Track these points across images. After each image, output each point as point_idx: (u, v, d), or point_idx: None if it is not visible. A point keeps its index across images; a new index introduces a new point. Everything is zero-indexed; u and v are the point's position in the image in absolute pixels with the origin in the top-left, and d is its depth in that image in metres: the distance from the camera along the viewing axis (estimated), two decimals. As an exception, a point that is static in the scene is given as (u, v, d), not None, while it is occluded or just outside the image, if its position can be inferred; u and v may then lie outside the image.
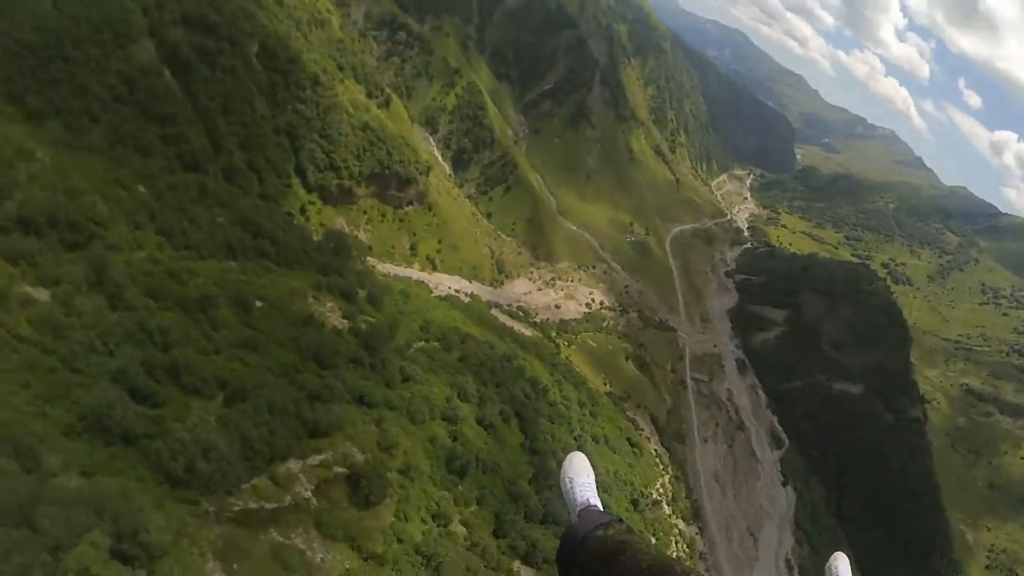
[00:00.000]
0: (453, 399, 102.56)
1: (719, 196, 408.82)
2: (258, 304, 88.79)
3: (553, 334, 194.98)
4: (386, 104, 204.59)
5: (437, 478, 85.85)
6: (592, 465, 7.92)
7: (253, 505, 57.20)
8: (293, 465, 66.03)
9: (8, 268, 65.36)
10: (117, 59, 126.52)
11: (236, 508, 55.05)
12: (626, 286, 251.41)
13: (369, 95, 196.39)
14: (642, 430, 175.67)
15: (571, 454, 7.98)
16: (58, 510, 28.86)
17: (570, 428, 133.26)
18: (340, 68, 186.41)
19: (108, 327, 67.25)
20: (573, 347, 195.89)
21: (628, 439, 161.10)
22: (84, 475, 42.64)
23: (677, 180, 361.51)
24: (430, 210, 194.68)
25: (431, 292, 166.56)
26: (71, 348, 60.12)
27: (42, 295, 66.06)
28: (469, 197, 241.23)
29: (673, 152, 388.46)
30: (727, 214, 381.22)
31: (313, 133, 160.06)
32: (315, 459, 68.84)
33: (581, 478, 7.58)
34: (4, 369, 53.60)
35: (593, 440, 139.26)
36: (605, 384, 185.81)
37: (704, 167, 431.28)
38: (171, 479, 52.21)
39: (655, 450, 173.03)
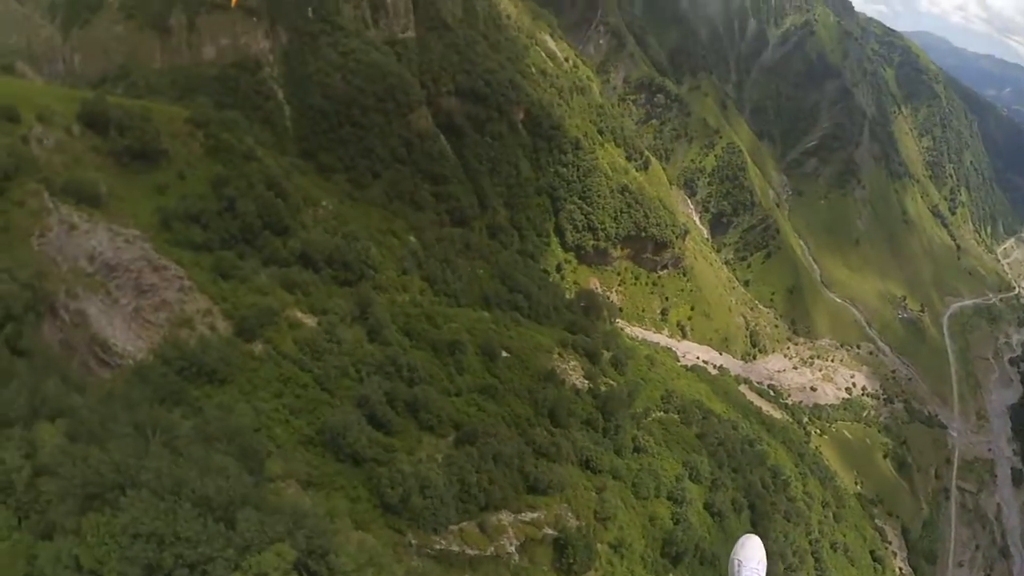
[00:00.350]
0: (683, 478, 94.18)
1: (1005, 265, 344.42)
2: (504, 354, 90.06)
3: (805, 419, 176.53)
4: (645, 167, 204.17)
5: (649, 560, 78.23)
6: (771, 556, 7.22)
7: (455, 548, 55.16)
8: (504, 517, 63.19)
9: (284, 294, 72.50)
10: (398, 125, 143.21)
11: (438, 547, 53.46)
12: (893, 371, 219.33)
13: (628, 158, 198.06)
14: (889, 543, 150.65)
15: (746, 535, 8.77)
16: (259, 515, 26.89)
17: (807, 530, 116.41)
18: (600, 132, 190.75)
19: (363, 356, 71.10)
20: (825, 436, 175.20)
21: (872, 552, 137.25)
22: (302, 485, 43.44)
23: (958, 246, 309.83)
24: (685, 275, 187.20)
25: (678, 360, 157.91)
26: (326, 370, 64.11)
27: (309, 321, 71.93)
28: (726, 263, 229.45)
29: (953, 213, 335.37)
30: (1015, 287, 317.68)
31: (573, 195, 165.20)
32: (527, 516, 65.53)
33: (751, 563, 8.36)
34: (264, 378, 58.71)
35: (831, 548, 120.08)
36: (856, 483, 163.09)
37: (988, 230, 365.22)
38: (385, 505, 52.31)
39: (900, 568, 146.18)
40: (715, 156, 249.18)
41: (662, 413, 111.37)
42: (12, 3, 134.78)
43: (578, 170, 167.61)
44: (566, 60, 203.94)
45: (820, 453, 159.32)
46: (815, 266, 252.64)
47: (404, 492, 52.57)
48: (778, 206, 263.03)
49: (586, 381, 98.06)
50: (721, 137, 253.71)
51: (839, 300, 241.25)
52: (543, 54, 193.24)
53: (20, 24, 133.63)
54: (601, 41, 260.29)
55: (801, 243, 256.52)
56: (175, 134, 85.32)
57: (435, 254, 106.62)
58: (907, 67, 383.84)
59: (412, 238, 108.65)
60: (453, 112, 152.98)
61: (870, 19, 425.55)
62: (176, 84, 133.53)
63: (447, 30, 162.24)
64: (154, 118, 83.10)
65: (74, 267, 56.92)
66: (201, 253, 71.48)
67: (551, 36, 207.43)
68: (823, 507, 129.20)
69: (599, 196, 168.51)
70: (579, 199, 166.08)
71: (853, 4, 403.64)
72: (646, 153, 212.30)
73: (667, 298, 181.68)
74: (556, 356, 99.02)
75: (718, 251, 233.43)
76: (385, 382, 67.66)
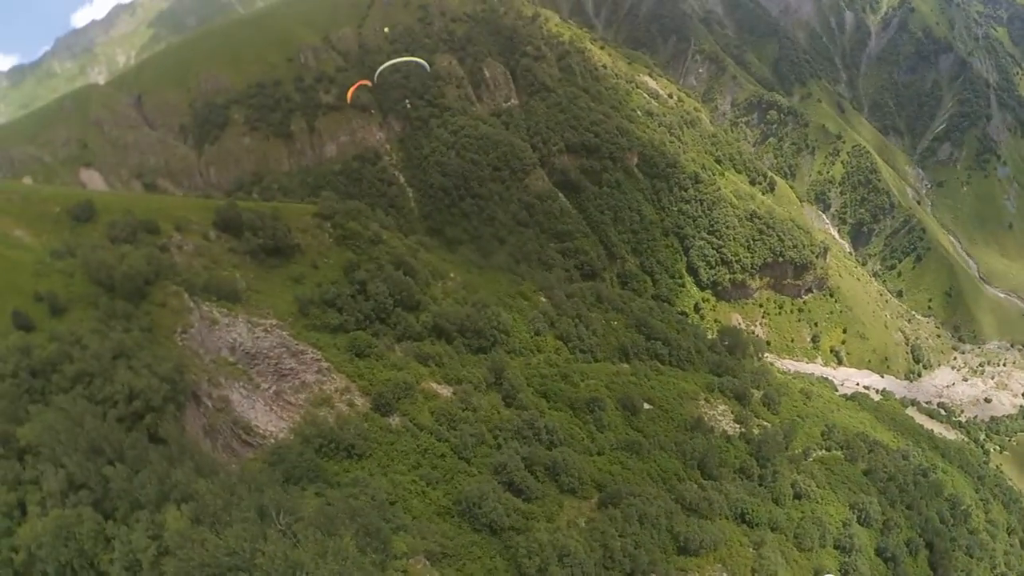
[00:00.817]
0: (851, 523, 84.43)
1: None
2: (646, 407, 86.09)
3: (981, 436, 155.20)
4: (771, 188, 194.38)
5: (816, 619, 68.48)
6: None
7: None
8: (652, 583, 56.89)
9: (419, 367, 73.12)
10: (516, 189, 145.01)
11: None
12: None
13: (752, 182, 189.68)
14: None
15: None
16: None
17: (992, 563, 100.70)
18: (718, 161, 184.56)
19: (499, 422, 69.86)
20: (1006, 452, 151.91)
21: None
22: (435, 559, 41.04)
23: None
24: (831, 296, 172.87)
25: (836, 390, 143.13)
26: (462, 439, 63.02)
27: (445, 391, 71.68)
28: (874, 275, 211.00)
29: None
30: None
31: (701, 230, 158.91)
32: (678, 579, 58.69)
33: None
34: (401, 450, 58.38)
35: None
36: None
37: None
38: (523, 576, 48.89)
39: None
40: (842, 163, 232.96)
41: (823, 451, 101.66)
42: (145, 128, 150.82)
43: (702, 204, 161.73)
44: (670, 96, 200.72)
45: (1001, 472, 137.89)
46: (970, 261, 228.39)
47: (542, 561, 49.44)
48: (919, 203, 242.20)
49: (737, 426, 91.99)
50: (844, 141, 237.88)
51: (1002, 295, 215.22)
52: (645, 95, 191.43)
53: (155, 146, 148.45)
54: (700, 70, 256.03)
55: (951, 238, 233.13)
56: (305, 228, 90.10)
57: (567, 311, 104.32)
58: (1018, 21, 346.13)
59: (542, 298, 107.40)
60: (567, 169, 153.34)
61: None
62: (305, 183, 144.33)
63: (548, 92, 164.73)
64: (284, 216, 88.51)
65: (217, 358, 59.66)
66: (338, 335, 73.66)
67: (650, 76, 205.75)
68: (1009, 534, 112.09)
69: (728, 227, 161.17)
70: (708, 234, 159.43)
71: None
72: (769, 174, 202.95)
73: (816, 324, 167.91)
74: (702, 402, 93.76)
75: (863, 264, 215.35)
76: (523, 447, 66.07)
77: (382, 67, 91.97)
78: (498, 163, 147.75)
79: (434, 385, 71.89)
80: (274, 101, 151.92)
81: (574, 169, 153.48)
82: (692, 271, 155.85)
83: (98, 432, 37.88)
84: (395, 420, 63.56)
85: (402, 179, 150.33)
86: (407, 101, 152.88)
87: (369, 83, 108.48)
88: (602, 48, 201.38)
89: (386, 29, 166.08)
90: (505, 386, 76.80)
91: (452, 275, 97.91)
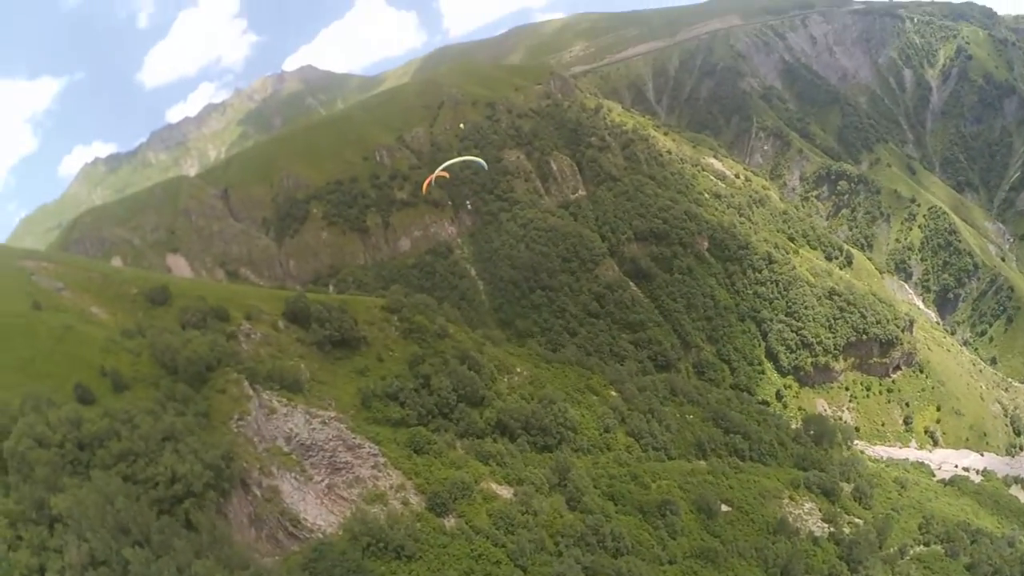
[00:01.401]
0: None
1: None
2: (723, 508, 79.46)
3: None
4: (848, 262, 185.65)
5: None
6: None
7: None
8: None
9: (479, 466, 69.99)
10: (586, 280, 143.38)
11: None
12: None
13: (828, 257, 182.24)
14: None
15: None
16: None
17: None
18: (791, 239, 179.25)
19: (561, 528, 65.01)
20: None
21: None
22: None
23: None
24: (921, 371, 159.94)
25: (932, 475, 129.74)
26: (520, 544, 58.47)
27: (505, 492, 67.84)
28: (964, 343, 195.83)
29: None
30: None
31: (778, 313, 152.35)
32: None
33: None
34: (453, 554, 54.63)
35: None
36: None
37: None
38: None
39: None
40: (919, 227, 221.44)
41: (921, 547, 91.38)
42: (230, 220, 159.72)
43: (778, 285, 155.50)
44: (737, 177, 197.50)
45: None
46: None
47: None
48: (1003, 259, 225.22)
49: (825, 525, 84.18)
50: (919, 204, 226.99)
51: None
52: (712, 177, 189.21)
53: (239, 236, 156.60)
54: (765, 147, 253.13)
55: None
56: (372, 321, 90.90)
57: (638, 406, 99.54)
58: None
59: (613, 392, 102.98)
60: (637, 257, 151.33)
61: (1018, 16, 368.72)
62: (380, 276, 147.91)
63: (614, 181, 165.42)
64: (352, 309, 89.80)
65: (272, 447, 58.45)
66: (399, 429, 72.23)
67: (715, 157, 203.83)
68: None
69: (807, 308, 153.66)
70: (786, 316, 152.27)
71: (994, 8, 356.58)
72: (846, 247, 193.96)
73: (907, 403, 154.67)
74: (787, 500, 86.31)
75: (952, 333, 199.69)
76: (586, 555, 60.72)
77: (440, 168, 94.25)
78: (567, 254, 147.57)
79: (494, 485, 68.18)
80: (351, 197, 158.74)
81: (644, 257, 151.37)
82: (772, 356, 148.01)
83: (127, 512, 37.70)
84: (450, 521, 60.06)
85: (473, 272, 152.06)
86: (468, 202, 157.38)
87: (447, 174, 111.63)
88: (665, 134, 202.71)
89: (461, 124, 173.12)
90: (569, 488, 71.96)
91: (519, 369, 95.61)
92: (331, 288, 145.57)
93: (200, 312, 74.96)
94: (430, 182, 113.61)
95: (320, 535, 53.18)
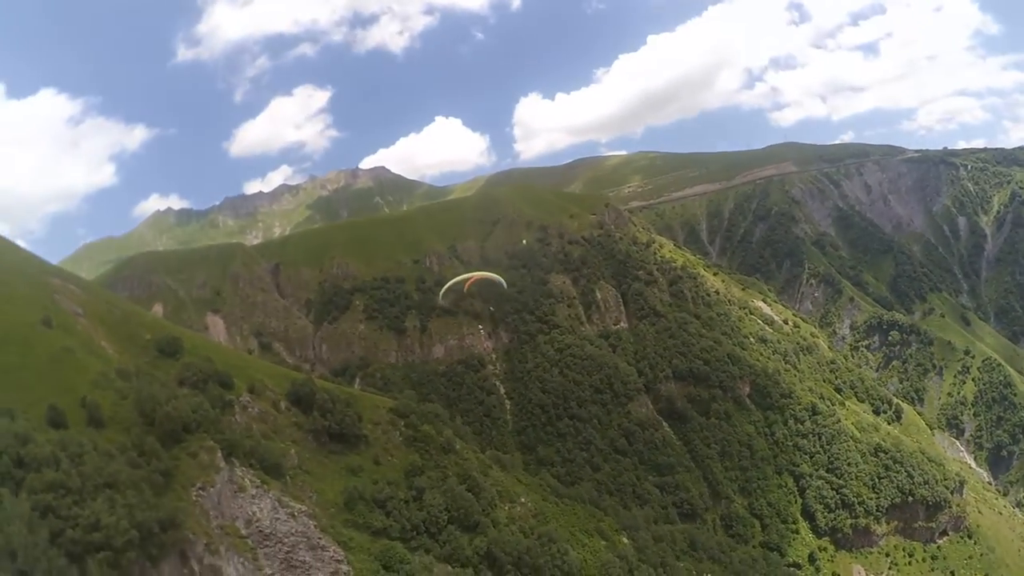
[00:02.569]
0: None
1: None
2: None
3: None
4: (896, 417, 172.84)
5: None
6: None
7: None
8: None
9: None
10: (618, 415, 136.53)
11: None
12: None
13: (876, 411, 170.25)
14: None
15: None
16: None
17: None
18: (838, 390, 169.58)
19: None
20: None
21: None
22: None
23: None
24: (969, 537, 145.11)
25: None
26: None
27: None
28: (1018, 505, 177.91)
29: None
30: None
31: (819, 468, 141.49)
32: None
33: None
34: None
35: None
36: None
37: None
38: None
39: None
40: (973, 380, 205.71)
41: None
42: (275, 295, 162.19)
43: (820, 439, 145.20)
44: (785, 322, 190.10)
45: None
46: None
47: None
48: None
49: None
50: (973, 356, 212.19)
51: None
52: (759, 321, 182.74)
53: (280, 312, 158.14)
54: (816, 293, 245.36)
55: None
56: (377, 422, 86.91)
57: (650, 558, 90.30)
58: None
59: (625, 539, 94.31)
60: (673, 396, 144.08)
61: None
62: (408, 378, 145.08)
63: (658, 316, 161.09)
64: (359, 405, 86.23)
65: (227, 525, 53.33)
66: (378, 540, 66.48)
67: (765, 301, 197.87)
68: None
69: (850, 464, 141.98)
70: (827, 471, 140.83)
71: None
72: (895, 401, 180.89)
73: (952, 572, 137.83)
74: None
75: (1004, 494, 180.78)
76: None
77: (456, 278, 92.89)
78: (601, 385, 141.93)
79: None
80: (394, 296, 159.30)
81: (681, 397, 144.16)
82: (808, 515, 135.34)
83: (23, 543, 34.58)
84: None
85: (502, 390, 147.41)
86: (490, 307, 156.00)
87: (495, 278, 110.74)
88: (715, 274, 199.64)
89: (524, 240, 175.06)
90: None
91: (523, 499, 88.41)
92: (357, 381, 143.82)
93: (203, 373, 72.40)
94: (472, 282, 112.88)
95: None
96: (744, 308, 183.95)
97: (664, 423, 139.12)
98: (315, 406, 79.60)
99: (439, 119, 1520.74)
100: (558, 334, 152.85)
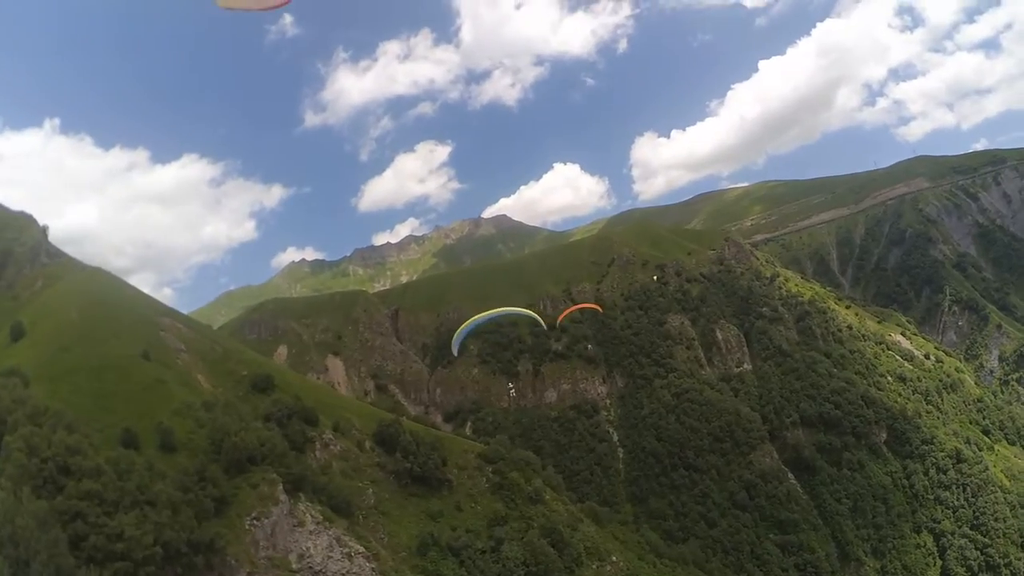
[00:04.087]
0: None
1: None
2: None
3: None
4: None
5: None
6: None
7: None
8: None
9: None
10: (739, 465, 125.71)
11: None
12: None
13: None
14: None
15: None
16: None
17: None
18: (986, 432, 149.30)
19: None
20: None
21: None
22: None
23: None
24: None
25: None
26: None
27: None
28: None
29: None
30: None
31: (962, 525, 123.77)
32: None
33: None
34: None
35: None
36: None
37: None
38: None
39: None
40: None
41: None
42: (393, 339, 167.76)
43: (965, 490, 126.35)
44: (926, 357, 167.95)
45: None
46: None
47: None
48: None
49: None
50: None
51: None
52: (898, 357, 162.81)
53: (397, 356, 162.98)
54: (960, 322, 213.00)
55: None
56: (463, 466, 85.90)
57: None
58: None
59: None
60: (801, 445, 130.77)
61: None
62: (520, 423, 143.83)
63: (784, 356, 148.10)
64: (446, 448, 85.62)
65: (278, 558, 53.77)
66: None
67: (903, 335, 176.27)
68: None
69: (997, 519, 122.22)
70: (971, 528, 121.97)
71: None
72: None
73: None
74: None
75: None
76: None
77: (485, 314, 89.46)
78: (721, 433, 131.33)
79: None
80: (508, 340, 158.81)
81: (809, 446, 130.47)
82: None
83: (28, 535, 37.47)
84: None
85: (615, 437, 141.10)
86: (588, 345, 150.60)
87: (599, 308, 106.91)
88: (848, 307, 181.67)
89: (655, 277, 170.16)
90: None
91: (615, 558, 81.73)
92: (469, 425, 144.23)
93: (288, 410, 75.33)
94: (568, 313, 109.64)
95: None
96: (880, 343, 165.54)
97: (789, 474, 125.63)
98: (398, 447, 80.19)
99: (557, 166, 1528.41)
100: (675, 378, 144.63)
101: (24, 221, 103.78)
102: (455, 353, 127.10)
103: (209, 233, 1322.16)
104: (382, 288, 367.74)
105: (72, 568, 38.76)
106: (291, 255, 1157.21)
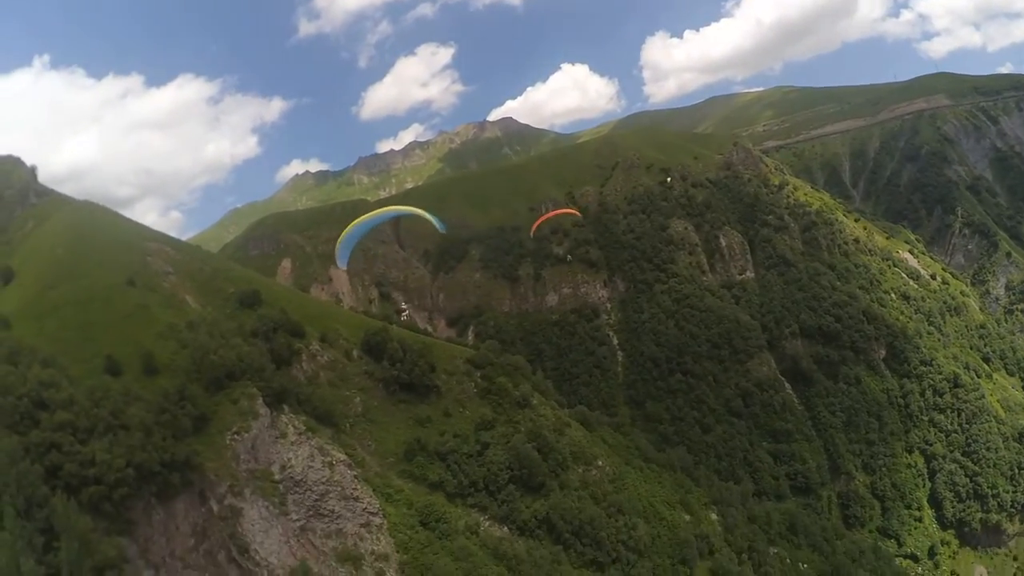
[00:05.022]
0: None
1: None
2: None
3: None
4: None
5: None
6: None
7: None
8: None
9: (492, 565, 60.58)
10: (736, 372, 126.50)
11: None
12: None
13: None
14: None
15: None
16: None
17: None
18: (986, 360, 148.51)
19: None
20: None
21: None
22: None
23: None
24: None
25: None
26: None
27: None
28: None
29: None
30: None
31: (954, 450, 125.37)
32: None
33: None
34: None
35: None
36: None
37: None
38: None
39: None
40: None
41: None
42: (395, 246, 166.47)
43: (959, 415, 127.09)
44: (932, 277, 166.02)
45: None
46: None
47: None
48: None
49: None
50: None
51: None
52: (903, 274, 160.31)
53: (400, 263, 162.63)
54: (969, 246, 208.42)
55: None
56: (452, 372, 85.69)
57: (736, 540, 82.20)
58: None
59: (713, 515, 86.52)
60: (799, 356, 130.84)
61: None
62: (521, 327, 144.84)
63: (788, 266, 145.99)
64: (434, 354, 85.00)
65: (259, 470, 54.91)
66: (435, 493, 66.43)
67: (911, 252, 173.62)
68: None
69: (989, 449, 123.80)
70: (962, 455, 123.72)
71: None
72: None
73: None
74: None
75: None
76: None
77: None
78: (719, 340, 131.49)
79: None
80: (509, 245, 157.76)
81: (806, 357, 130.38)
82: (935, 502, 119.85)
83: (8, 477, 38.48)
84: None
85: (615, 341, 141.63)
86: (568, 255, 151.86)
87: (576, 212, 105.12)
88: (856, 220, 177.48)
89: (668, 179, 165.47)
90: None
91: (600, 462, 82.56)
92: (471, 330, 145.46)
93: (273, 323, 75.24)
94: (538, 224, 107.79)
95: (266, 572, 48.54)
96: (887, 259, 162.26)
97: (786, 385, 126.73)
98: (385, 355, 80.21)
99: (565, 66, 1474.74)
100: (676, 283, 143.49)
101: (11, 164, 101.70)
102: (342, 265, 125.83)
103: (211, 153, 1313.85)
104: (387, 196, 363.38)
105: (43, 497, 39.60)
106: (295, 168, 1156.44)
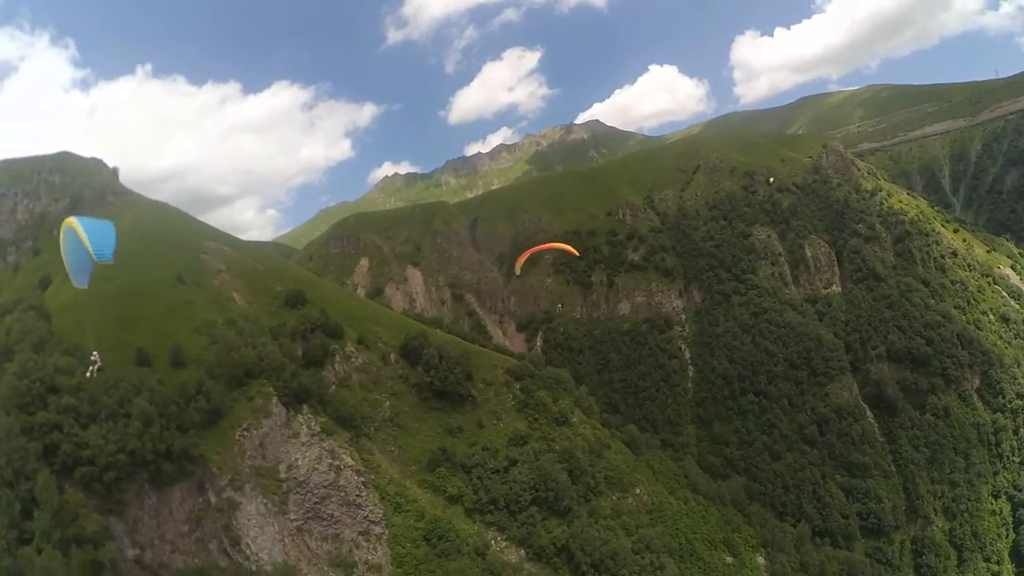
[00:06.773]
0: None
1: None
2: None
3: None
4: None
5: None
6: None
7: None
8: None
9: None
10: (813, 396, 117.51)
11: None
12: None
13: None
14: None
15: None
16: None
17: None
18: None
19: None
20: None
21: None
22: None
23: None
24: None
25: None
26: None
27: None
28: None
29: None
30: None
31: None
32: None
33: None
34: None
35: None
36: None
37: None
38: None
39: None
40: None
41: None
42: (470, 249, 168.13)
43: None
44: None
45: None
46: None
47: None
48: None
49: None
50: None
51: None
52: (1004, 293, 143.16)
53: (474, 265, 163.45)
54: None
55: None
56: (491, 382, 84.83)
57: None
58: None
59: (760, 559, 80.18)
60: (884, 381, 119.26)
61: None
62: (590, 335, 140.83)
63: (877, 280, 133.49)
64: (473, 363, 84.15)
65: (265, 467, 56.36)
66: (453, 508, 65.79)
67: (1013, 268, 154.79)
68: None
69: None
70: None
71: None
72: None
73: None
74: None
75: None
76: None
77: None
78: (797, 359, 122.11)
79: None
80: (582, 250, 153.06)
81: (892, 383, 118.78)
82: (1016, 556, 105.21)
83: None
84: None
85: (687, 355, 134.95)
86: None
87: (574, 251, 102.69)
88: (956, 231, 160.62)
89: (771, 180, 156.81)
90: None
91: (638, 491, 78.76)
92: (540, 336, 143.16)
93: (311, 323, 77.20)
94: (521, 262, 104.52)
95: (253, 566, 49.75)
96: (986, 275, 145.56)
97: (868, 412, 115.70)
98: (420, 360, 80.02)
99: (653, 68, 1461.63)
100: (756, 295, 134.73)
101: (95, 166, 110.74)
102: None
103: (306, 155, 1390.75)
104: (472, 196, 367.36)
105: (32, 471, 42.62)
106: (387, 170, 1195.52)
